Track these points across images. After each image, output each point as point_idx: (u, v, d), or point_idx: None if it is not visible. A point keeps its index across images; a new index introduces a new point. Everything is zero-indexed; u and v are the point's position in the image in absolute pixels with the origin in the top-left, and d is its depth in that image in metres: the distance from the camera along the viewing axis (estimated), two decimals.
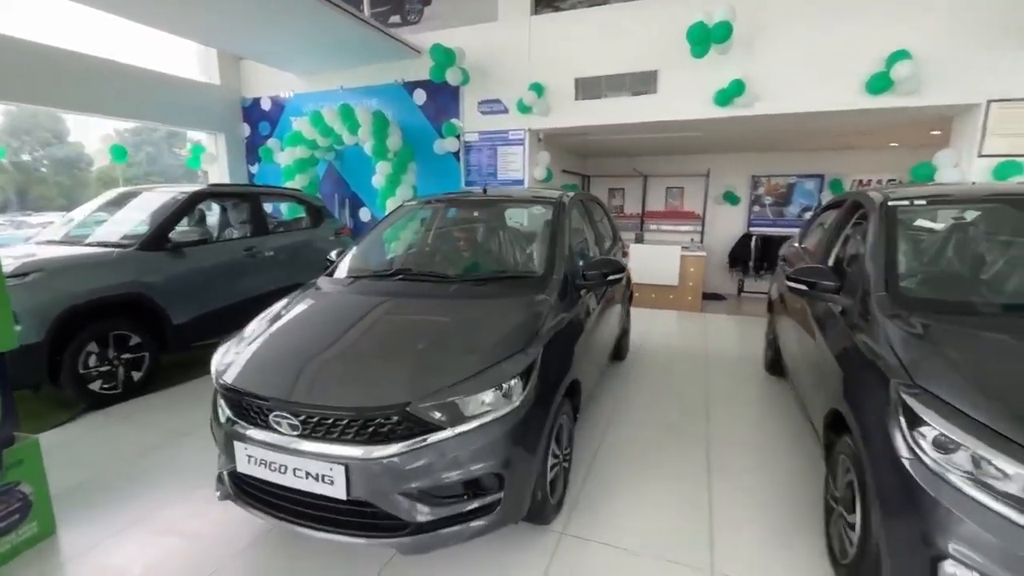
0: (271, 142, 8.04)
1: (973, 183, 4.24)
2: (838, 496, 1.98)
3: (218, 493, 2.09)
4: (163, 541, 2.17)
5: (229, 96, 8.28)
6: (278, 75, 7.97)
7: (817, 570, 1.99)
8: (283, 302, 2.58)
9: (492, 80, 6.78)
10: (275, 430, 1.81)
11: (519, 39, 6.58)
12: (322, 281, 2.78)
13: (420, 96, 7.18)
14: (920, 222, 2.48)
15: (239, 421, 1.90)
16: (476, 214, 3.30)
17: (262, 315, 2.49)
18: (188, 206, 4.20)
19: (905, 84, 5.07)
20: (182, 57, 8.04)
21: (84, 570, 2.01)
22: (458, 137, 7.01)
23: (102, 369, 3.51)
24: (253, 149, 8.50)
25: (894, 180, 8.97)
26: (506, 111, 6.80)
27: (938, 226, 2.48)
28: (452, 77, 6.36)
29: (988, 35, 4.89)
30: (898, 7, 5.08)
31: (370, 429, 1.72)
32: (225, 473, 2.03)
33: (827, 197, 9.44)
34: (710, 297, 9.42)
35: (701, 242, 9.52)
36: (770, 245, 9.64)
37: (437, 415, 1.73)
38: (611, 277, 2.62)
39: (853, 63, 5.28)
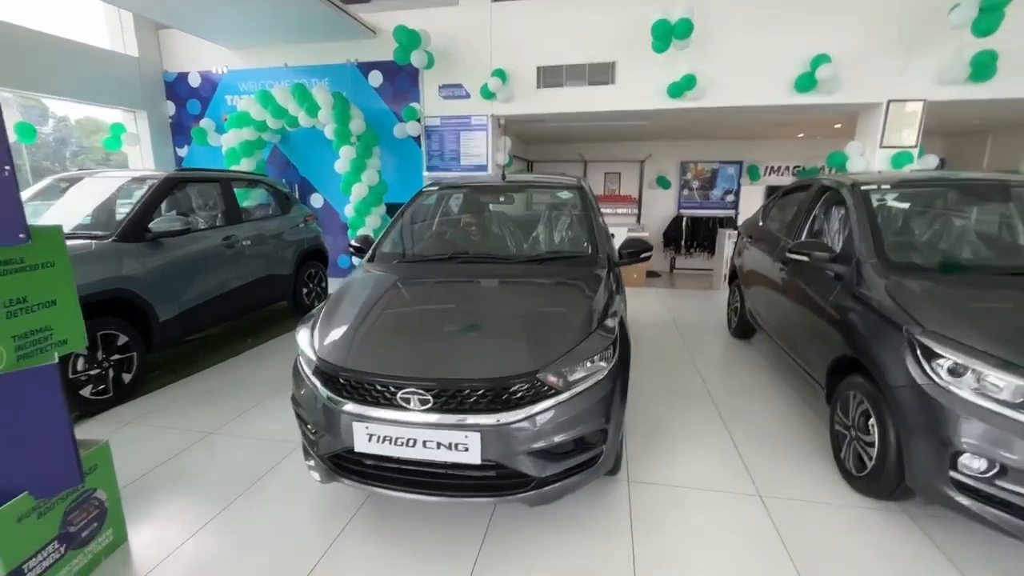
0: (204, 122, 7.40)
1: (912, 171, 5.10)
2: (849, 424, 2.47)
3: (317, 476, 2.13)
4: (253, 534, 2.15)
5: (149, 69, 7.45)
6: (208, 48, 7.31)
7: (835, 486, 2.47)
8: (348, 285, 2.60)
9: (454, 65, 6.78)
10: (403, 407, 1.90)
11: (480, 25, 6.64)
12: (372, 265, 2.80)
13: (376, 78, 6.99)
14: (889, 202, 3.05)
15: (358, 403, 1.95)
16: (503, 199, 3.45)
17: (333, 299, 2.49)
18: (163, 192, 3.88)
19: (826, 84, 5.89)
20: (88, 24, 7.09)
21: (176, 571, 1.96)
22: (419, 121, 6.94)
23: (92, 373, 3.21)
24: (181, 130, 7.75)
25: (799, 167, 10.26)
26: (468, 96, 6.85)
27: (902, 205, 3.07)
28: (417, 60, 6.28)
29: (889, 45, 5.82)
30: (820, 17, 5.86)
31: (503, 397, 1.88)
32: (326, 456, 2.07)
33: (746, 182, 10.59)
34: (650, 275, 10.21)
35: (639, 223, 10.25)
36: (699, 225, 10.62)
37: (557, 380, 1.93)
38: (643, 255, 2.93)
39: (785, 64, 6.03)
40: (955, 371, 1.93)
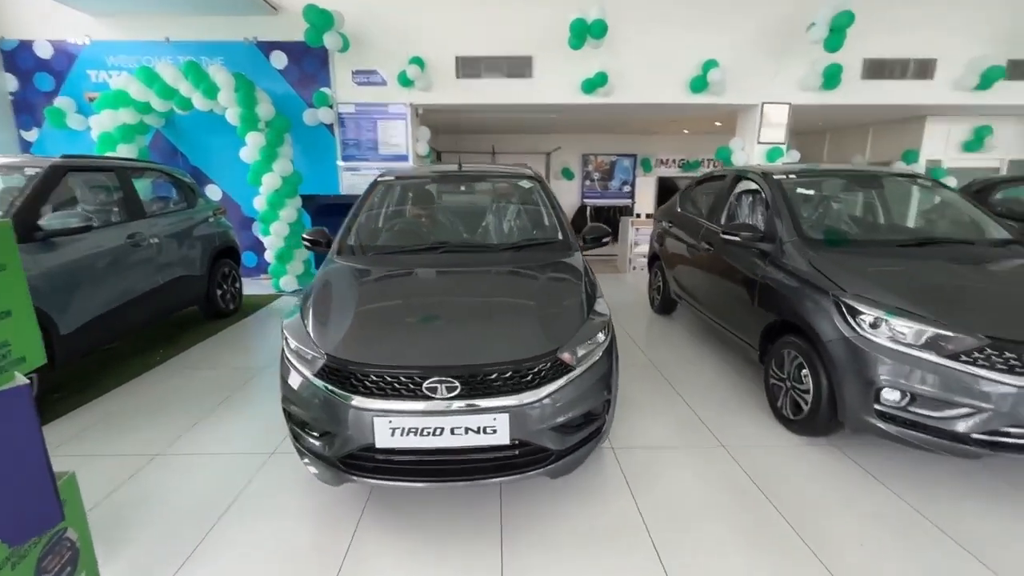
0: (61, 101, 6.26)
1: (810, 164, 5.93)
2: (785, 377, 2.93)
3: (327, 479, 2.04)
4: (255, 555, 2.00)
5: None
6: (63, 12, 6.17)
7: (775, 430, 2.92)
8: (329, 278, 2.47)
9: (368, 49, 6.49)
10: (428, 397, 1.89)
11: (396, 10, 6.42)
12: (346, 258, 2.68)
13: (280, 59, 6.45)
14: (797, 190, 3.60)
15: (378, 398, 1.90)
16: (464, 188, 3.44)
17: (319, 294, 2.34)
18: (50, 183, 3.27)
19: (715, 86, 6.66)
20: None
21: None
22: (331, 107, 6.55)
23: None
24: (28, 109, 6.46)
25: (684, 159, 11.42)
26: (384, 83, 6.62)
27: (808, 192, 3.65)
28: (331, 42, 5.92)
29: (764, 54, 6.74)
30: (710, 26, 6.59)
31: (527, 377, 1.95)
32: (338, 458, 1.99)
33: (640, 173, 11.52)
34: None
35: None
36: (601, 214, 11.36)
37: (571, 358, 2.05)
38: (604, 240, 3.15)
39: (681, 66, 6.69)
40: (875, 324, 2.40)
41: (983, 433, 2.16)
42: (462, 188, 3.47)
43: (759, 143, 7.11)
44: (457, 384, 1.89)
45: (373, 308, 2.23)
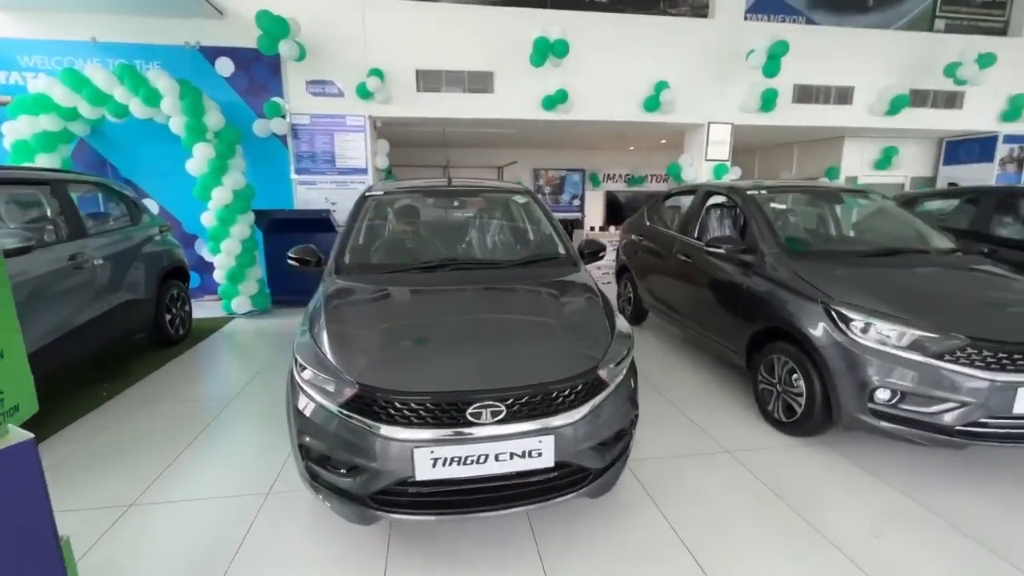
0: None
1: (732, 179, 6.31)
2: (775, 382, 3.08)
3: (354, 518, 1.89)
4: None
5: None
6: None
7: (769, 433, 3.06)
8: (337, 300, 2.31)
9: (324, 59, 6.24)
10: (472, 423, 1.80)
11: (353, 19, 6.25)
12: (347, 277, 2.52)
13: (226, 66, 6.05)
14: (771, 204, 3.84)
15: (417, 427, 1.78)
16: (456, 203, 3.35)
17: (330, 317, 2.17)
18: None
19: (667, 106, 7.02)
20: None
21: None
22: (284, 118, 6.22)
23: None
24: None
25: (630, 174, 11.90)
26: (341, 94, 6.38)
27: (780, 207, 3.90)
28: (287, 51, 5.63)
29: (710, 77, 7.20)
30: (663, 49, 6.96)
31: (570, 397, 1.91)
32: (369, 495, 1.84)
33: (589, 188, 11.86)
34: None
35: None
36: None
37: (607, 376, 2.04)
38: (600, 254, 3.19)
39: (636, 87, 7.00)
40: (864, 329, 2.59)
41: (965, 425, 2.38)
42: (455, 203, 3.39)
43: (707, 160, 7.56)
44: (503, 408, 1.82)
45: (398, 330, 2.11)
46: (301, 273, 2.81)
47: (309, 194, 6.54)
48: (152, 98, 5.05)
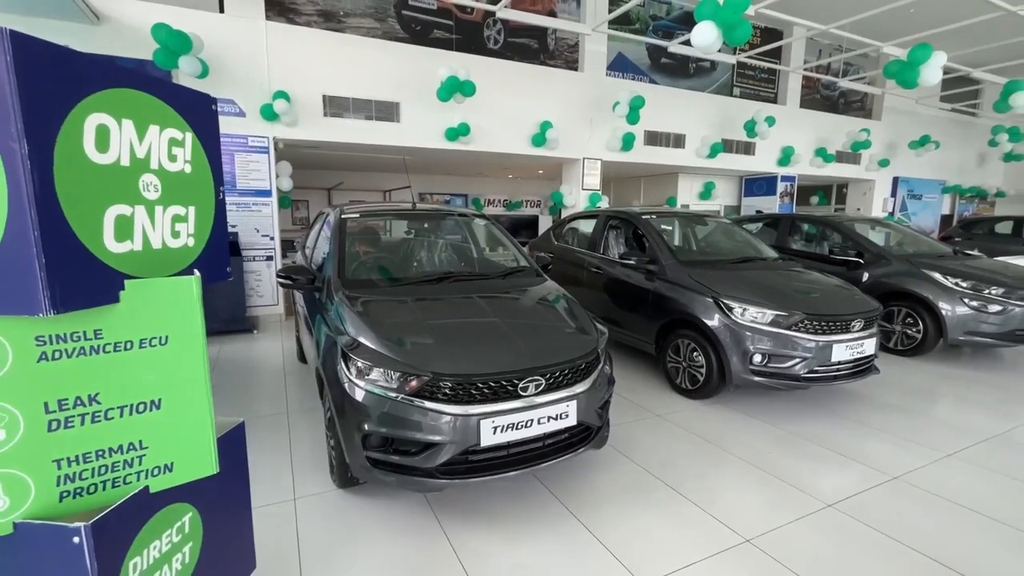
0: None
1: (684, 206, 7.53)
2: (681, 359, 4.06)
3: (425, 488, 2.25)
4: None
5: None
6: None
7: (678, 399, 4.00)
8: (365, 309, 2.59)
9: (222, 78, 6.00)
10: (521, 395, 2.29)
11: (254, 40, 6.14)
12: (360, 290, 2.80)
13: None
14: (663, 224, 4.91)
15: (482, 403, 2.21)
16: (427, 225, 3.70)
17: (368, 325, 2.45)
18: None
19: (551, 142, 8.12)
20: None
21: None
22: None
23: None
24: None
25: (507, 200, 12.97)
26: (243, 114, 6.18)
27: (666, 227, 4.99)
28: (188, 67, 5.35)
29: (582, 121, 8.50)
30: (547, 94, 8.06)
31: (584, 369, 2.51)
32: (436, 467, 2.21)
33: None
34: None
35: None
36: None
37: (601, 352, 2.69)
38: (549, 267, 3.87)
39: (525, 124, 7.98)
40: (742, 313, 3.66)
41: (807, 372, 3.55)
42: (426, 225, 3.75)
43: (583, 189, 8.84)
44: (543, 381, 2.35)
45: (443, 328, 2.49)
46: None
47: None
48: None
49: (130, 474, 1.09)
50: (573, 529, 2.38)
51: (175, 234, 1.16)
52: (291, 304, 5.86)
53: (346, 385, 2.31)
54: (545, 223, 12.39)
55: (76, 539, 0.95)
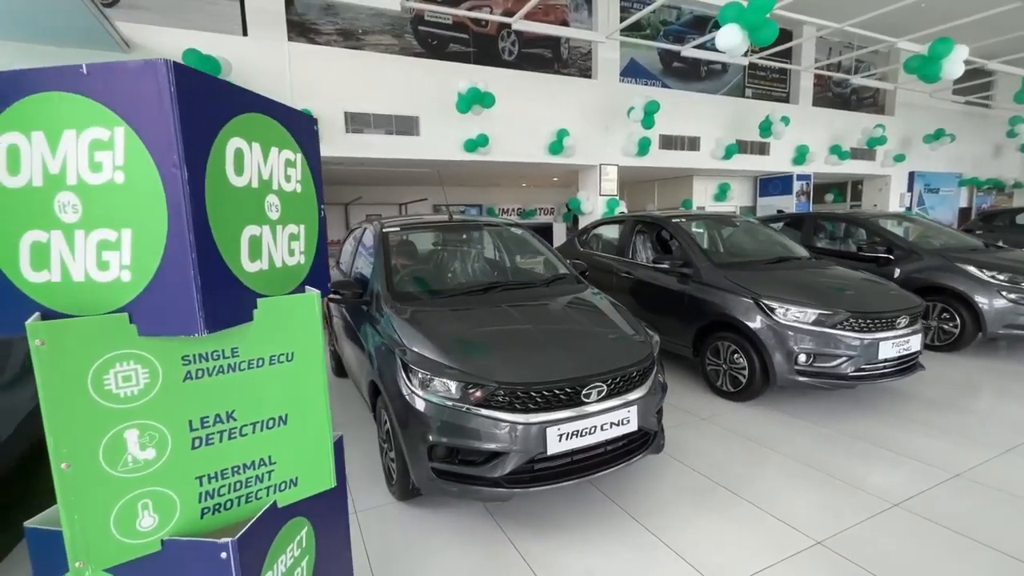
0: None
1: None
2: (721, 362, 4.03)
3: (491, 498, 2.25)
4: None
5: None
6: None
7: (721, 402, 3.98)
8: (420, 321, 2.61)
9: None
10: (584, 402, 2.29)
11: (278, 61, 6.26)
12: (413, 303, 2.82)
13: None
14: (692, 228, 4.91)
15: (546, 411, 2.22)
16: (465, 236, 3.73)
17: (426, 338, 2.46)
18: None
19: (568, 150, 8.17)
20: None
21: None
22: None
23: None
24: None
25: (521, 208, 13.03)
26: None
27: (699, 231, 5.00)
28: None
29: (597, 127, 8.55)
30: (564, 102, 8.12)
31: (643, 374, 2.51)
32: (503, 476, 2.22)
33: None
34: None
35: None
36: None
37: (657, 357, 2.69)
38: (586, 273, 3.89)
39: (542, 133, 8.03)
40: (787, 312, 3.64)
41: (854, 371, 3.52)
42: (464, 236, 3.79)
43: (601, 195, 8.86)
44: (604, 387, 2.35)
45: (502, 337, 2.51)
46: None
47: None
48: None
49: (261, 489, 1.12)
50: (638, 533, 2.37)
51: (291, 252, 1.18)
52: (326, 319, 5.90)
53: (408, 397, 2.33)
54: (559, 231, 12.43)
55: (224, 555, 0.97)
